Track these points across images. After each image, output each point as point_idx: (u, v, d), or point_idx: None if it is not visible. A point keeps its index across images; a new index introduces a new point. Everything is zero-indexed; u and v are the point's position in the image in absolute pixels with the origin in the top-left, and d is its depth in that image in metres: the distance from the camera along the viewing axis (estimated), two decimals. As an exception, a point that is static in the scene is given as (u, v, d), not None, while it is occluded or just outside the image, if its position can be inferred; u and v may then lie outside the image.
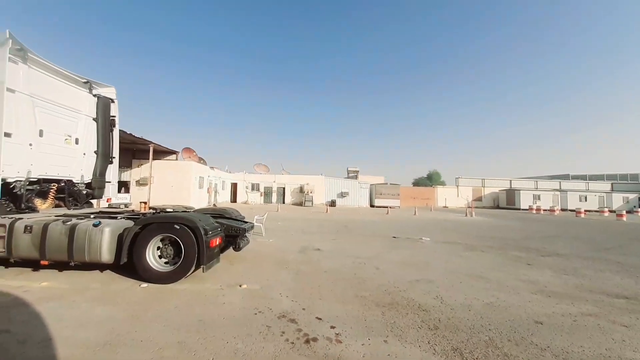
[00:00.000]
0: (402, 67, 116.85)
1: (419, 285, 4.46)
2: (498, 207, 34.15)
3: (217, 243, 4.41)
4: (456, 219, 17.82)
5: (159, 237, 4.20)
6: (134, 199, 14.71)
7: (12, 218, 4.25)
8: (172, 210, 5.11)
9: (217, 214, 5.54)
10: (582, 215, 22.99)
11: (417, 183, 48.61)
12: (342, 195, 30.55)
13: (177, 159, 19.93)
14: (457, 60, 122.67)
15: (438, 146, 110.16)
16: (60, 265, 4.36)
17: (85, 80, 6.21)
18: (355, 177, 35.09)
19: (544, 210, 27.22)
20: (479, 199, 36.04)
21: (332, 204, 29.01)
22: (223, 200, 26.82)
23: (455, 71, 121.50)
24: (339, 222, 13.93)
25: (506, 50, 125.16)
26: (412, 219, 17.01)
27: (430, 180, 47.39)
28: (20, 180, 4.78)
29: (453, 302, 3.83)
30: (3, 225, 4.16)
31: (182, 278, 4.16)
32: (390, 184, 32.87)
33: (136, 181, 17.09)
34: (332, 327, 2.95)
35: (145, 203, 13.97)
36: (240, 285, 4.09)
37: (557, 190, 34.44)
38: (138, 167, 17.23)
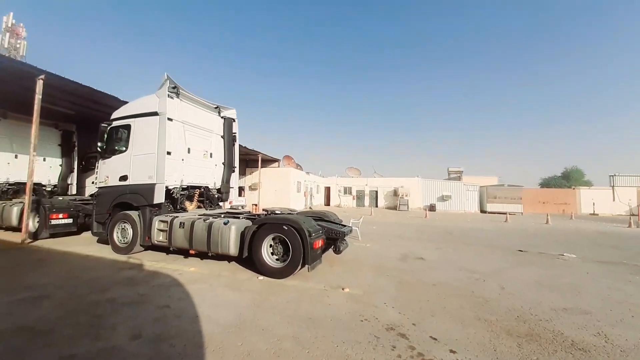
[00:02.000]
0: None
1: (568, 316, 3.41)
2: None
3: (320, 245, 4.57)
4: (614, 231, 13.29)
5: (271, 236, 4.68)
6: (248, 202, 17.38)
7: (171, 216, 5.57)
8: (280, 212, 5.65)
9: (318, 216, 5.79)
10: None
11: (548, 184, 39.14)
12: (444, 198, 27.58)
13: (279, 166, 22.43)
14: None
15: (579, 136, 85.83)
16: (202, 255, 5.43)
17: (216, 106, 7.66)
18: (459, 179, 31.15)
19: None
20: (650, 204, 25.94)
21: (432, 208, 26.49)
22: (317, 203, 28.48)
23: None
24: (442, 229, 12.52)
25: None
26: (544, 229, 13.65)
27: (568, 179, 37.44)
28: (177, 187, 6.24)
29: (624, 342, 2.75)
30: (166, 222, 5.50)
31: (290, 275, 4.49)
32: (509, 185, 27.37)
33: (249, 186, 20.17)
34: (452, 352, 2.53)
35: (255, 205, 16.25)
36: (342, 289, 4.08)
37: None
38: (250, 174, 20.32)
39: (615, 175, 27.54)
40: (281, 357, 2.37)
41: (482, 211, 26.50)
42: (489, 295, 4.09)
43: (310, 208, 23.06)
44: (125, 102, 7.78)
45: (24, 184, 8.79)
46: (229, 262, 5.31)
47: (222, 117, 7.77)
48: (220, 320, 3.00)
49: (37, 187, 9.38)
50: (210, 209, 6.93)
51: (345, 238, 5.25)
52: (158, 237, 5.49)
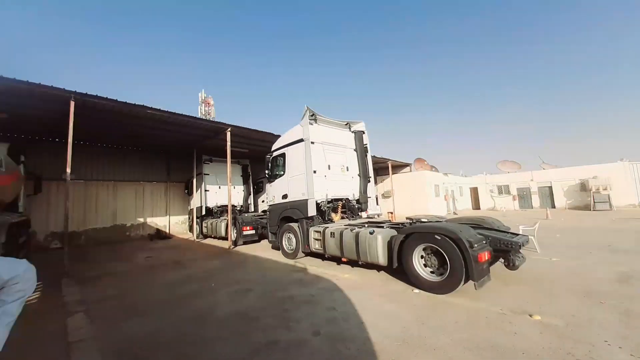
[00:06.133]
0: None
1: None
2: None
3: (486, 258, 3.83)
4: None
5: (422, 246, 4.36)
6: (383, 210, 17.38)
7: (323, 227, 6.24)
8: (426, 220, 5.23)
9: (475, 223, 4.96)
10: None
11: None
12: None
13: (410, 171, 21.35)
14: None
15: None
16: (352, 262, 5.75)
17: (346, 122, 8.23)
18: None
19: None
20: None
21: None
22: (463, 207, 24.85)
23: None
24: (691, 236, 7.98)
25: None
26: None
27: None
28: (323, 201, 7.00)
29: None
30: (319, 232, 6.21)
31: (451, 291, 3.98)
32: None
33: (381, 194, 20.19)
34: None
35: (391, 213, 16.00)
36: (530, 315, 3.21)
37: None
38: (381, 182, 20.35)
39: None
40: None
41: None
42: None
43: (455, 213, 20.45)
44: (277, 135, 9.66)
45: (226, 206, 12.36)
46: (379, 271, 5.34)
47: (352, 132, 8.23)
48: (386, 331, 2.97)
49: (233, 208, 12.99)
50: (352, 219, 7.33)
51: (520, 250, 4.20)
52: (315, 245, 6.27)
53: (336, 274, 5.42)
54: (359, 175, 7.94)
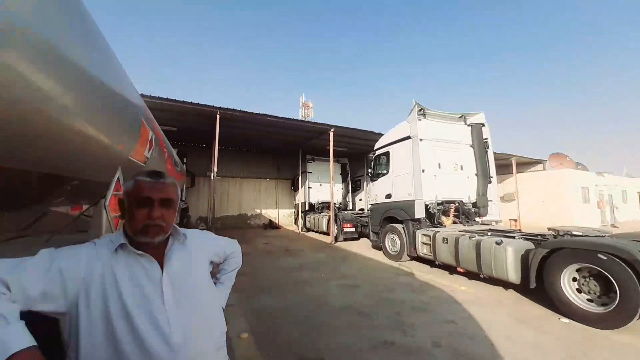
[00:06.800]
0: None
1: None
2: None
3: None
4: None
5: (575, 266, 3.45)
6: (503, 216, 14.60)
7: (432, 231, 5.77)
8: (580, 233, 4.09)
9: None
10: None
11: None
12: None
13: (544, 169, 17.24)
14: None
15: None
16: (469, 274, 5.09)
17: (460, 115, 7.34)
18: None
19: None
20: None
21: None
22: (627, 218, 18.34)
23: None
24: None
25: None
26: None
27: None
28: (432, 203, 6.46)
29: None
30: (428, 236, 5.77)
31: (619, 327, 3.01)
32: None
33: (500, 197, 17.02)
34: None
35: (514, 220, 13.34)
36: None
37: None
38: (501, 182, 17.20)
39: None
40: None
41: None
42: None
43: (614, 226, 15.36)
44: (379, 134, 9.52)
45: (326, 202, 13.10)
46: (506, 289, 4.54)
47: (468, 125, 7.28)
48: (528, 363, 2.49)
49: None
50: (467, 225, 6.50)
51: None
52: (422, 250, 5.88)
53: (450, 284, 4.93)
54: (476, 174, 6.97)
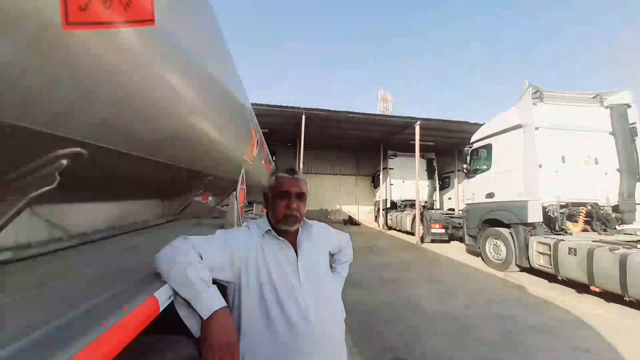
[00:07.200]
0: None
1: None
2: None
3: None
4: None
5: None
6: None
7: (553, 239, 4.75)
8: None
9: None
10: None
11: None
12: None
13: None
14: None
15: None
16: (607, 295, 3.99)
17: (594, 95, 5.79)
18: None
19: None
20: None
21: None
22: None
23: None
24: None
25: None
26: None
27: None
28: (552, 204, 5.31)
29: None
30: (547, 244, 4.77)
31: None
32: None
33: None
34: None
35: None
36: None
37: None
38: None
39: None
40: None
41: None
42: None
43: None
44: (476, 124, 8.38)
45: (409, 200, 12.39)
46: (675, 323, 3.37)
47: (606, 107, 5.69)
48: None
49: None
50: (604, 234, 5.11)
51: None
52: (538, 261, 4.92)
53: (578, 304, 3.97)
54: (618, 170, 5.41)
